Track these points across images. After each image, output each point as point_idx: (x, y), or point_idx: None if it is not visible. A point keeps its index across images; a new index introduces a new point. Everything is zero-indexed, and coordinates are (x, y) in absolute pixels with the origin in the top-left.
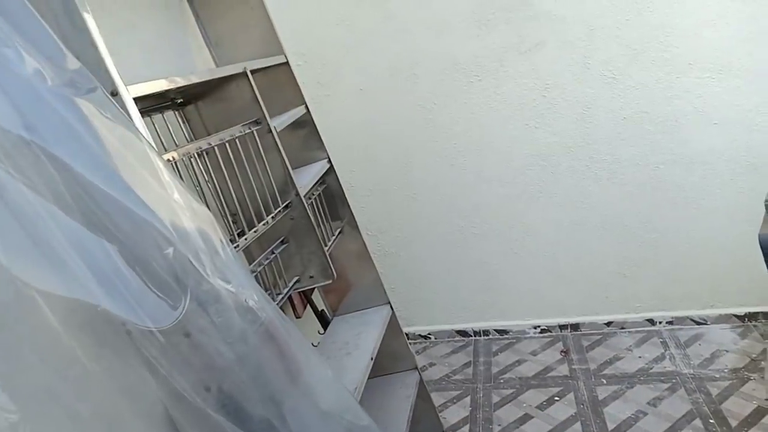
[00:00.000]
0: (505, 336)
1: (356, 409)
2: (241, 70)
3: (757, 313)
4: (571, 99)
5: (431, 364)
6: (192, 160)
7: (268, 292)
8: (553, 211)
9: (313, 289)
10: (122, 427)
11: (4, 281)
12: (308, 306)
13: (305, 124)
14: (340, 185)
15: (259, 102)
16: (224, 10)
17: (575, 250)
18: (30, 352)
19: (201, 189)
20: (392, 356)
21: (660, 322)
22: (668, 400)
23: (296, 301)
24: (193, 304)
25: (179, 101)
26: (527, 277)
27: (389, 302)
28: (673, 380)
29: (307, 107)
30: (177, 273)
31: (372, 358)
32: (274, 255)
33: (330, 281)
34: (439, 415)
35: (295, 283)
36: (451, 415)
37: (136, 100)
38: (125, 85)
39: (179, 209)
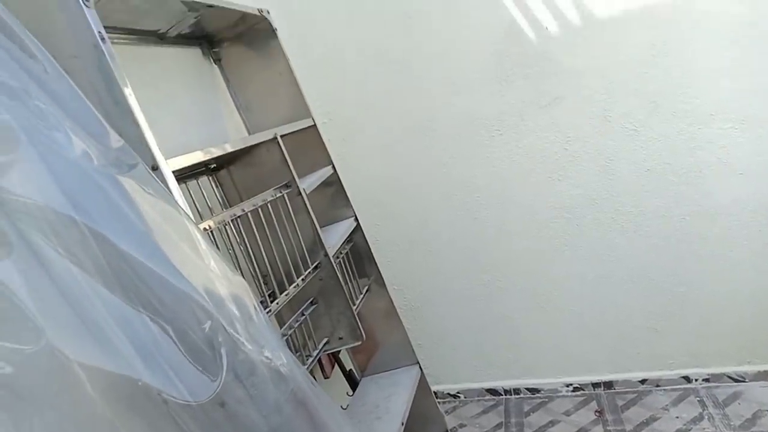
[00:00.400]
0: (537, 395)
1: None
2: (272, 137)
3: None
4: (592, 151)
5: (461, 426)
6: (226, 226)
7: (298, 353)
8: (579, 265)
9: None
10: None
11: (47, 353)
12: (336, 366)
13: (332, 183)
14: (366, 243)
15: (289, 166)
16: (253, 76)
17: (602, 304)
18: (68, 423)
19: (233, 251)
20: (422, 418)
21: (696, 380)
22: None
23: (324, 360)
24: (230, 375)
25: (212, 166)
26: (554, 332)
27: (418, 362)
28: None
29: (334, 167)
30: (214, 344)
31: (403, 423)
32: (304, 317)
33: (359, 342)
34: None
35: (324, 345)
36: None
37: (174, 171)
38: (165, 159)
39: (215, 278)
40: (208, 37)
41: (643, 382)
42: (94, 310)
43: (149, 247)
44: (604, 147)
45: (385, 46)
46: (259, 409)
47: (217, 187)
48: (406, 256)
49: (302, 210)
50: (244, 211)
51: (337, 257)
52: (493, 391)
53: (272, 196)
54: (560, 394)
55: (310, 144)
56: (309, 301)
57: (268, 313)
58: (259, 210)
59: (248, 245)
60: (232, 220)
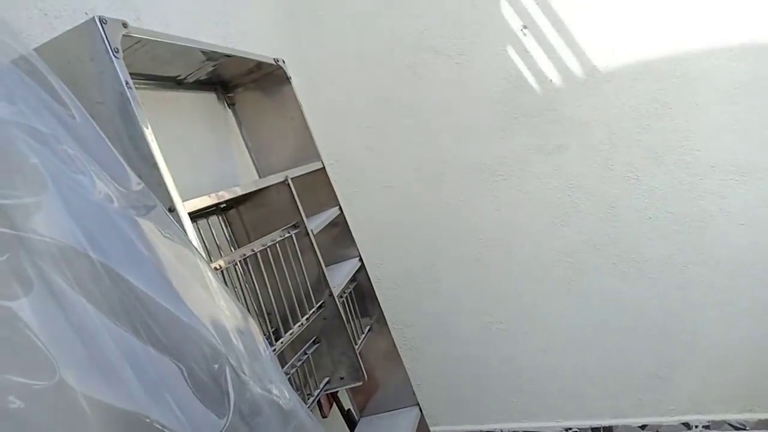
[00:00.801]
0: None
1: None
2: (282, 180)
3: None
4: (595, 199)
5: None
6: (235, 266)
7: (298, 392)
8: (582, 309)
9: None
10: None
11: (60, 388)
12: (334, 405)
13: (338, 224)
14: (370, 282)
15: (298, 207)
16: (265, 120)
17: (605, 349)
18: None
19: (241, 288)
20: None
21: (696, 426)
22: None
23: (323, 400)
24: (236, 414)
25: (223, 206)
26: (556, 375)
27: (418, 403)
28: None
29: (340, 208)
30: (222, 383)
31: None
32: (306, 356)
33: (361, 383)
34: None
35: (325, 384)
36: None
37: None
38: (182, 201)
39: (225, 317)
40: (223, 83)
41: (643, 428)
42: (106, 346)
43: (162, 286)
44: (606, 195)
45: (393, 94)
46: None
47: (226, 225)
48: (408, 295)
49: (309, 250)
50: (254, 251)
51: (341, 297)
52: None
53: (281, 236)
54: None
55: (318, 185)
56: (312, 340)
57: (273, 351)
58: (268, 249)
59: (254, 283)
60: (241, 260)
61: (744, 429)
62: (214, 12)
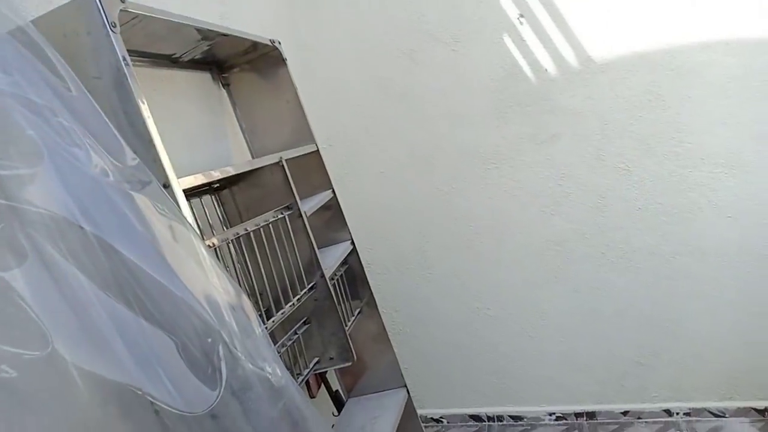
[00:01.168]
0: (520, 423)
1: None
2: (276, 161)
3: None
4: (586, 188)
5: None
6: (228, 244)
7: (288, 371)
8: (569, 297)
9: None
10: None
11: (52, 359)
12: (323, 385)
13: (331, 207)
14: (361, 265)
15: (292, 189)
16: (260, 101)
17: (591, 336)
18: (62, 428)
19: (233, 268)
20: None
21: (677, 413)
22: None
23: (311, 380)
24: (227, 389)
25: (216, 186)
26: (542, 362)
27: (405, 385)
28: None
29: (333, 191)
30: (214, 358)
31: None
32: (297, 336)
33: (350, 363)
34: None
35: (315, 364)
36: None
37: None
38: (176, 178)
39: (218, 294)
40: (218, 63)
41: (625, 413)
42: (99, 318)
43: (156, 260)
44: (596, 185)
45: (388, 79)
46: (252, 424)
47: (219, 205)
48: (397, 280)
49: (302, 231)
50: (247, 230)
51: (332, 279)
52: (476, 417)
53: (274, 217)
54: (543, 422)
55: (311, 168)
56: (302, 320)
57: (265, 329)
58: (261, 229)
59: (247, 262)
60: (234, 239)
61: (723, 416)
62: None
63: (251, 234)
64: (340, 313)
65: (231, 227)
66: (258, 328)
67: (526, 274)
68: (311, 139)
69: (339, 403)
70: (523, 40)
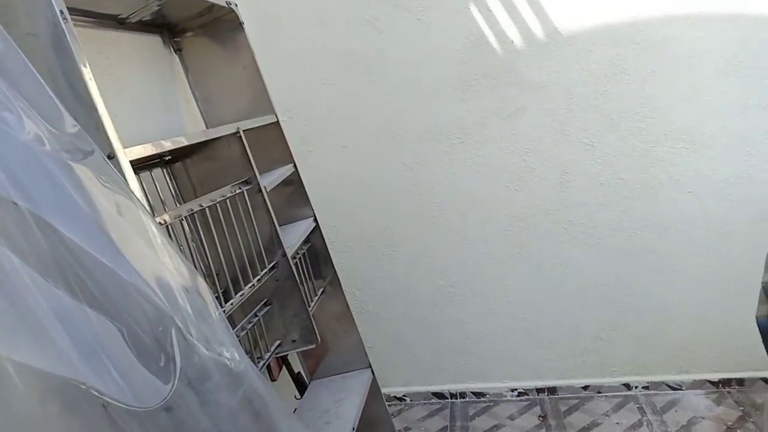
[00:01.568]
0: (482, 399)
1: None
2: (234, 131)
3: (731, 379)
4: (550, 164)
5: (407, 429)
6: (181, 221)
7: (248, 355)
8: (532, 273)
9: None
10: None
11: None
12: (284, 367)
13: (292, 182)
14: (324, 244)
15: (250, 162)
16: (215, 68)
17: (553, 312)
18: None
19: (187, 247)
20: (370, 422)
21: (636, 387)
22: None
23: (272, 363)
24: (182, 380)
25: (168, 158)
26: (505, 338)
27: (370, 366)
28: None
29: (295, 166)
30: (167, 346)
31: (354, 429)
32: (257, 318)
33: (314, 346)
34: None
35: (276, 347)
36: None
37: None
38: (123, 148)
39: (171, 276)
40: (169, 26)
41: (585, 388)
42: (36, 306)
43: (100, 239)
44: (561, 160)
45: (351, 48)
46: (210, 416)
47: (171, 179)
48: (360, 257)
49: (261, 207)
50: (202, 206)
51: (294, 258)
52: (439, 395)
53: (231, 192)
54: (505, 398)
55: (270, 141)
56: (263, 302)
57: (223, 312)
58: (217, 205)
59: (202, 241)
60: (187, 215)
61: (680, 389)
62: None
63: (207, 210)
64: (302, 293)
65: (184, 203)
66: (215, 312)
67: (491, 251)
68: (270, 110)
69: (301, 386)
70: (489, 9)
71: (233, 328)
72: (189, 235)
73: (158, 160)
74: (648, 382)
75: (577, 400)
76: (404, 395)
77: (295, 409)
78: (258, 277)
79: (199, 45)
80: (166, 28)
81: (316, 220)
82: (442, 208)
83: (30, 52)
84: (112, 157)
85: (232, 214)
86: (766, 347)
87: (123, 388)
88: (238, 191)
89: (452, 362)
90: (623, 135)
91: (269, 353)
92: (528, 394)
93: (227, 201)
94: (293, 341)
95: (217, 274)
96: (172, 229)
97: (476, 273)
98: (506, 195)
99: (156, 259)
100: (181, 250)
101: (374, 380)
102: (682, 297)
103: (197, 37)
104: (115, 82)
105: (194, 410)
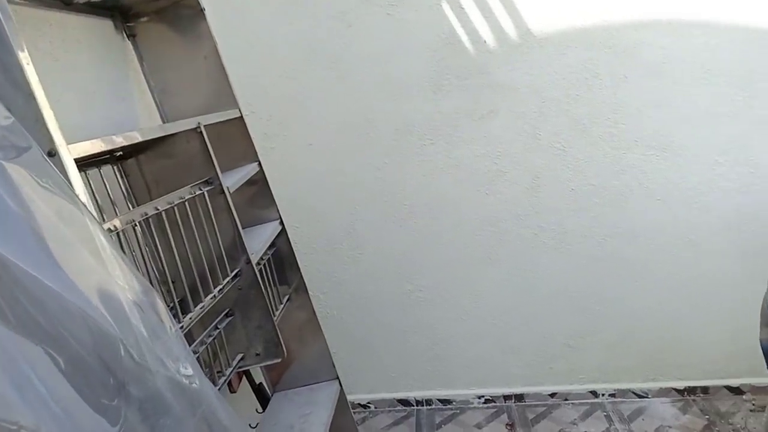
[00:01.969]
0: (449, 406)
1: None
2: (194, 126)
3: (696, 387)
4: (521, 168)
5: None
6: (134, 226)
7: (207, 371)
8: (501, 279)
9: None
10: None
11: None
12: (244, 378)
13: (256, 182)
14: (290, 247)
15: (212, 160)
16: (173, 57)
17: (522, 318)
18: None
19: (141, 254)
20: None
21: (603, 394)
22: None
23: None
24: (134, 413)
25: (119, 154)
26: (473, 345)
27: (338, 377)
28: None
29: (260, 164)
30: (117, 373)
31: None
32: (218, 331)
33: (280, 359)
34: None
35: (239, 361)
36: None
37: (76, 159)
38: (66, 144)
39: (120, 291)
40: (122, 9)
41: (552, 395)
42: None
43: (35, 250)
44: (532, 164)
45: (319, 42)
46: None
47: (122, 178)
48: (325, 261)
49: (224, 210)
50: (158, 209)
51: (259, 264)
52: (404, 402)
53: (191, 193)
54: (472, 405)
55: (233, 137)
56: (224, 312)
57: (180, 328)
58: (175, 208)
59: (158, 247)
60: (142, 220)
61: (646, 397)
62: None
63: (163, 214)
64: (267, 302)
65: (138, 205)
66: (171, 328)
67: (459, 255)
68: (234, 103)
69: (263, 399)
70: (461, 7)
71: (191, 343)
72: (143, 241)
73: (108, 156)
74: (615, 390)
75: (545, 408)
76: (368, 402)
77: (257, 424)
78: (220, 287)
79: (155, 31)
80: (118, 12)
81: (282, 222)
82: (412, 210)
83: None
84: (53, 154)
85: (191, 217)
86: None
87: (64, 422)
88: (198, 192)
89: (419, 368)
90: (594, 140)
91: (230, 368)
92: (495, 402)
93: (186, 203)
94: (257, 355)
95: (173, 282)
96: (124, 235)
97: (445, 277)
98: (477, 198)
99: (104, 273)
100: (133, 258)
101: (342, 393)
102: (649, 305)
103: (153, 23)
104: (59, 68)
105: None
